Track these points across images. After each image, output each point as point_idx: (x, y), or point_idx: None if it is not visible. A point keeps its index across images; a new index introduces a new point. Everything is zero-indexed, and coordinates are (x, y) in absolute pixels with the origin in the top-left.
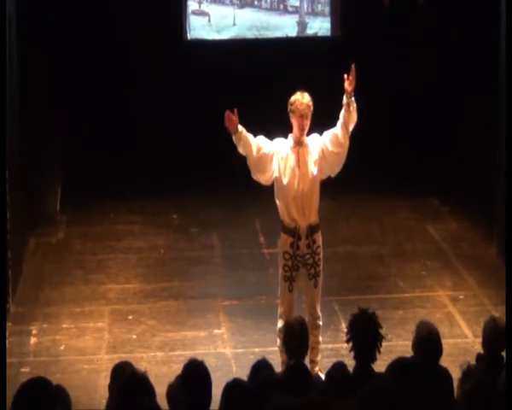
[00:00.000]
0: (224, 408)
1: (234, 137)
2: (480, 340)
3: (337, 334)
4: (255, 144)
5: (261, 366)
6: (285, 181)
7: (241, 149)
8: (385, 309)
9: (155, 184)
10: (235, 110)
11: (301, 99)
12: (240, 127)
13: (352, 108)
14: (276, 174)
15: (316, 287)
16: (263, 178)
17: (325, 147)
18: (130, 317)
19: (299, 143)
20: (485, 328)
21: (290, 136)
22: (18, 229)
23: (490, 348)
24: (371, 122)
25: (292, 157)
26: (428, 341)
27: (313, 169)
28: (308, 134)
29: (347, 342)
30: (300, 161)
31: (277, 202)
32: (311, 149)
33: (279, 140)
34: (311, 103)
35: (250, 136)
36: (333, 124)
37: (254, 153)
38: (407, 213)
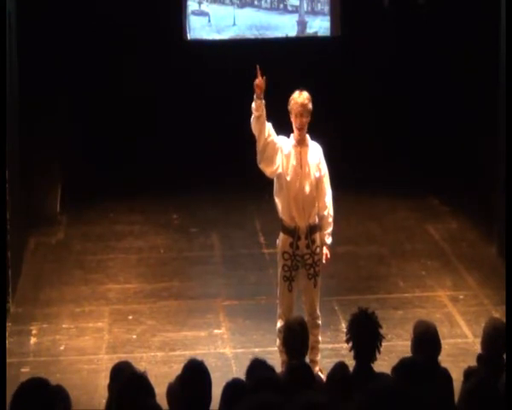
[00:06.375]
0: (224, 408)
1: (255, 104)
2: (480, 340)
3: (337, 334)
4: (268, 127)
5: (257, 366)
6: (287, 179)
7: (254, 123)
8: (385, 309)
9: (155, 184)
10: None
11: (297, 98)
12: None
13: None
14: (280, 170)
15: (315, 287)
16: (268, 170)
17: (318, 168)
18: (130, 317)
19: (300, 143)
20: (484, 329)
21: (292, 135)
22: (18, 229)
23: (490, 349)
24: (371, 121)
25: (294, 156)
26: (427, 339)
27: (315, 170)
28: (308, 133)
29: (347, 341)
30: (302, 161)
31: (277, 200)
32: (313, 152)
33: (282, 138)
34: (307, 102)
35: None
36: (332, 123)
37: (266, 134)
38: (407, 213)
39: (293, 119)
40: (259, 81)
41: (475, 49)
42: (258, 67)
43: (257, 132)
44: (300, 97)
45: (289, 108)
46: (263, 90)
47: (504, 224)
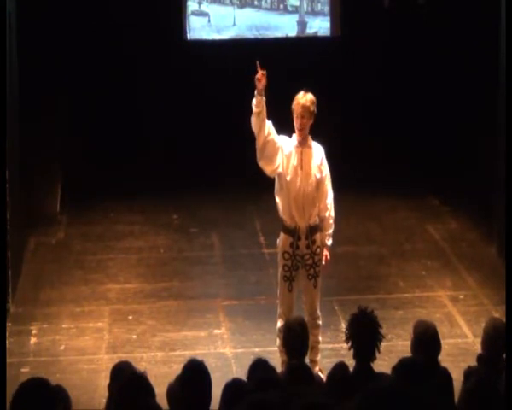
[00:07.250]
0: (224, 408)
1: (255, 100)
2: (480, 340)
3: (337, 334)
4: (268, 126)
5: (259, 366)
6: (287, 179)
7: (254, 120)
8: (385, 309)
9: (155, 184)
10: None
11: (300, 98)
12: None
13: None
14: (280, 170)
15: (315, 287)
16: (268, 168)
17: (320, 170)
18: (130, 317)
19: (302, 144)
20: (484, 329)
21: (294, 135)
22: (18, 229)
23: (490, 349)
24: (371, 121)
25: (295, 157)
26: (427, 339)
27: (316, 171)
28: (310, 134)
29: (347, 341)
30: (304, 162)
31: (277, 199)
32: (315, 153)
33: (283, 137)
34: (309, 104)
35: None
36: (332, 123)
37: (265, 133)
38: (407, 213)
39: (294, 119)
40: (260, 75)
41: (475, 49)
42: (257, 62)
43: (256, 129)
44: (303, 98)
45: (292, 107)
46: (264, 84)
47: (504, 224)
